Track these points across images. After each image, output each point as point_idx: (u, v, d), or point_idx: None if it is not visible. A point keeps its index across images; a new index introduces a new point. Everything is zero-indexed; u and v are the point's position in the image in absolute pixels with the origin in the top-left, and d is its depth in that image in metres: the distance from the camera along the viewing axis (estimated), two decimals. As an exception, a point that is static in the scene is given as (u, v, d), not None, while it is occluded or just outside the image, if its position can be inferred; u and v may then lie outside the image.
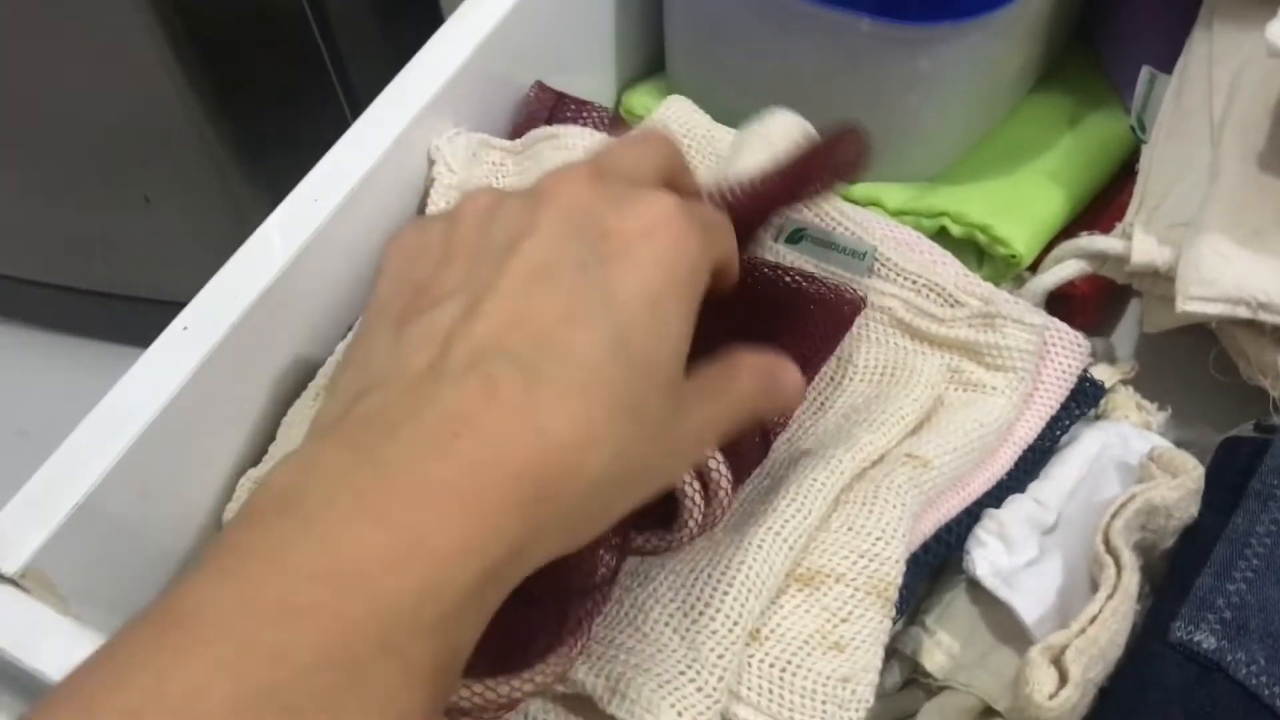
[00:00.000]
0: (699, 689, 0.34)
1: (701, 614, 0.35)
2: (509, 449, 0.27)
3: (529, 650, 0.33)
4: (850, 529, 0.38)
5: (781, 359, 0.35)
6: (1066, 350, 0.45)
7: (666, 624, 0.35)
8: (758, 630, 0.36)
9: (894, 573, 0.38)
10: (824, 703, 0.35)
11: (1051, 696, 0.36)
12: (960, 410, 0.43)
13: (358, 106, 0.68)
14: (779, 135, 0.43)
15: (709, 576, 0.36)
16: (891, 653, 0.42)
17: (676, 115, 0.51)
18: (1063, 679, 0.36)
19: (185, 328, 0.40)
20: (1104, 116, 0.55)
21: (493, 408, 0.27)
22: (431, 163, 0.47)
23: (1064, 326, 0.45)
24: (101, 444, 0.38)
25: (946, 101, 0.50)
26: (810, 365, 0.40)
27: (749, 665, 0.36)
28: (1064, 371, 0.45)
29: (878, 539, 0.38)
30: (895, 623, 0.40)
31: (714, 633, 0.35)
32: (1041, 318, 0.44)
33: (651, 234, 0.30)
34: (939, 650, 0.41)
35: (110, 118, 0.68)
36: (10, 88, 0.67)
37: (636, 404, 0.29)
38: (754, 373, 0.34)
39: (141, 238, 0.77)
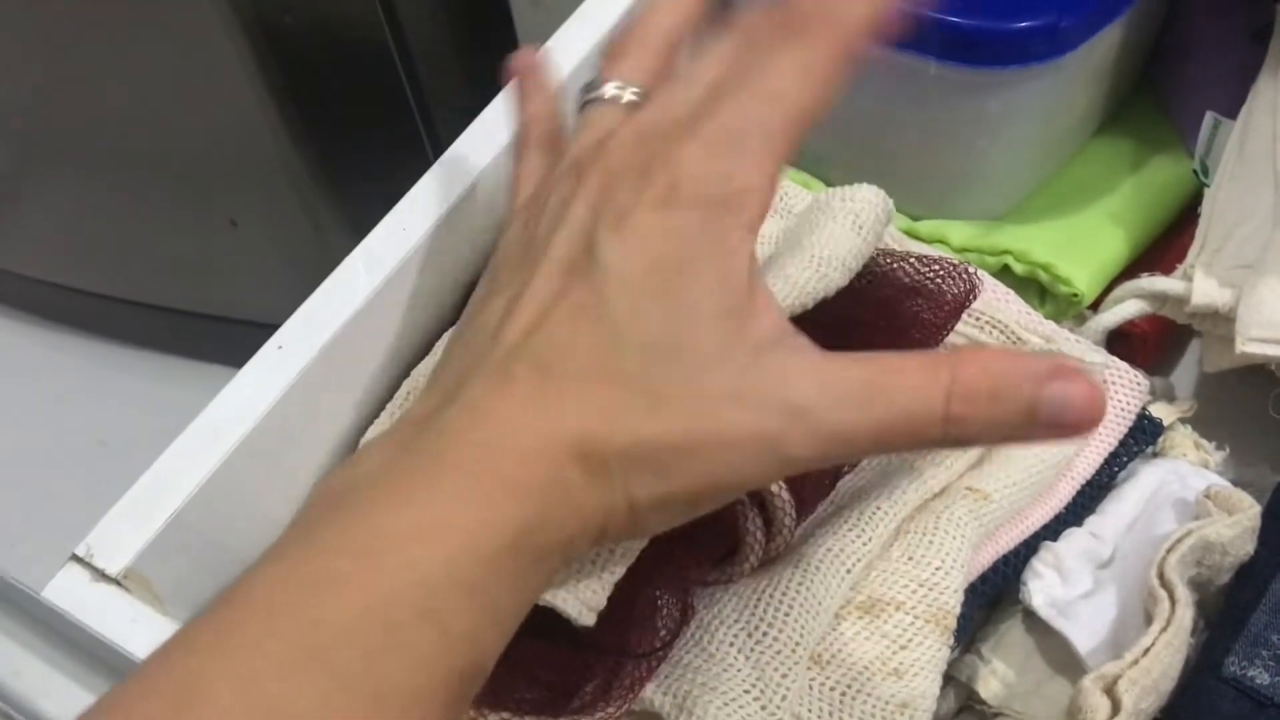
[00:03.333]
0: (763, 707, 0.35)
1: (765, 635, 0.36)
2: (519, 433, 0.29)
3: (578, 694, 0.35)
4: (911, 559, 0.39)
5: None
6: (1126, 388, 0.46)
7: (731, 644, 0.36)
8: (819, 655, 0.38)
9: (953, 602, 0.39)
10: None
11: (1104, 725, 0.37)
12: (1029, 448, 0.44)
13: (437, 139, 0.70)
14: (867, 214, 0.42)
15: (770, 598, 0.37)
16: (948, 680, 0.43)
17: None
18: (1115, 708, 0.37)
19: (280, 347, 0.42)
20: (1166, 160, 0.55)
21: (505, 399, 0.30)
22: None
23: (1124, 365, 0.46)
24: (198, 456, 0.40)
25: (1012, 144, 0.51)
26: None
27: (810, 689, 0.37)
28: (1123, 409, 0.46)
29: (937, 569, 0.39)
30: (952, 651, 0.42)
31: (777, 653, 0.36)
32: (1102, 356, 0.45)
33: (666, 205, 0.30)
34: (994, 678, 0.42)
35: (200, 145, 0.70)
36: (105, 115, 0.70)
37: (652, 387, 0.29)
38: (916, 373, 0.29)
39: (226, 259, 0.80)
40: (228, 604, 0.27)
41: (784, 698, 0.35)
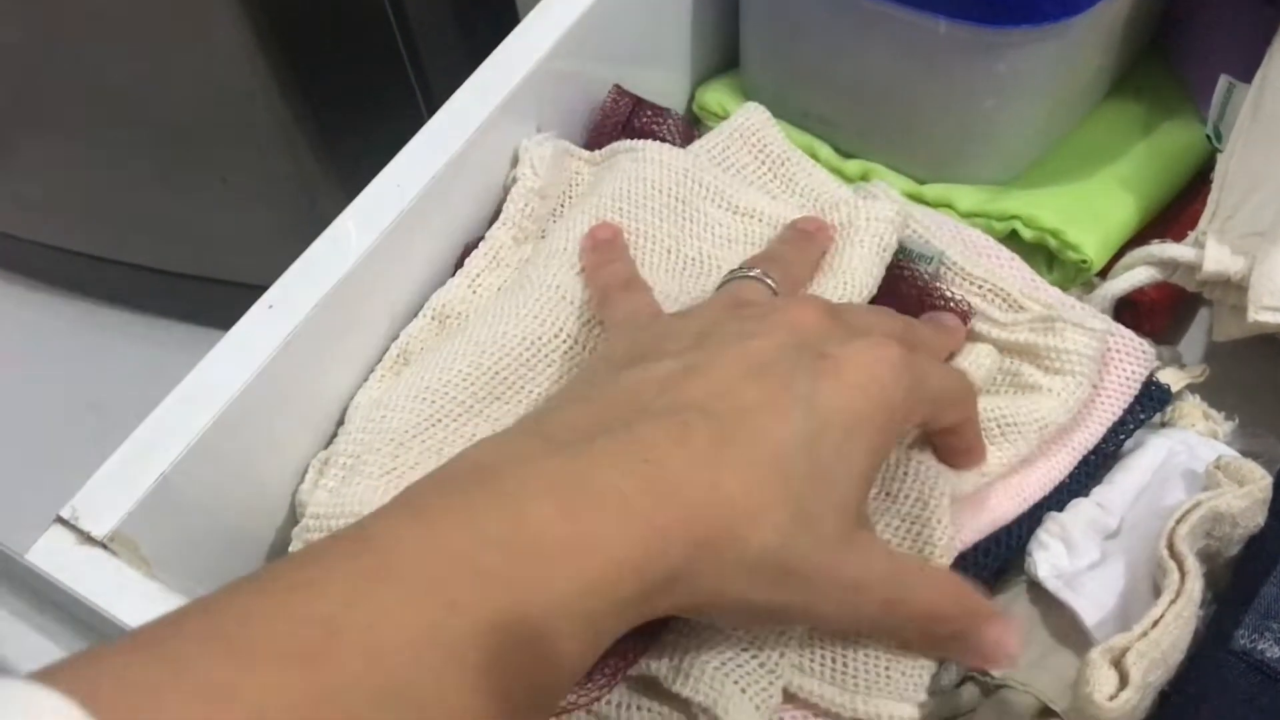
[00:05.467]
0: (761, 664, 0.35)
1: None
2: (687, 488, 0.29)
3: None
4: (888, 494, 0.39)
5: (996, 617, 0.35)
6: (1130, 356, 0.45)
7: None
8: None
9: (943, 536, 0.38)
10: (887, 668, 0.36)
11: (1111, 698, 0.36)
12: (1011, 400, 0.43)
13: (431, 99, 0.69)
14: (889, 236, 0.45)
15: None
16: (950, 650, 0.43)
17: (753, 127, 0.50)
18: (1123, 681, 0.36)
19: (270, 306, 0.41)
20: (1178, 124, 0.54)
21: (681, 449, 0.30)
22: (515, 162, 0.48)
23: (1128, 332, 0.45)
24: (187, 417, 0.39)
25: (1022, 106, 0.50)
26: None
27: (812, 637, 0.37)
28: (1127, 377, 0.45)
29: (916, 500, 0.39)
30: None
31: None
32: (1103, 322, 0.44)
33: (865, 365, 0.33)
34: (997, 650, 0.42)
35: (190, 100, 0.69)
36: (99, 73, 0.69)
37: (808, 506, 0.31)
38: (950, 597, 0.35)
39: (216, 218, 0.79)
40: (368, 549, 0.26)
41: (782, 654, 0.35)
